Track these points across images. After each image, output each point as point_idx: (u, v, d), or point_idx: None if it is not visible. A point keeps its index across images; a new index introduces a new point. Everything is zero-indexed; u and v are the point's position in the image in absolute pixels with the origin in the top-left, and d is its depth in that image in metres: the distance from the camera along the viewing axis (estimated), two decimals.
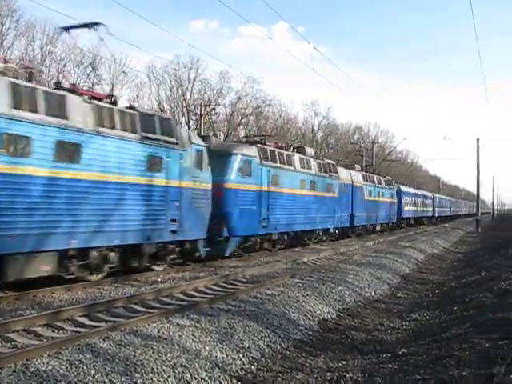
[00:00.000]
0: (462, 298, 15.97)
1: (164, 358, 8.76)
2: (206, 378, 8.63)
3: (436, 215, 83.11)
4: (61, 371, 7.68)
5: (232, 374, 9.17)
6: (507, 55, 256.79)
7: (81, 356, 8.36)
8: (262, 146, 24.99)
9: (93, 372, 7.77)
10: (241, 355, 9.97)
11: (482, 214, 75.72)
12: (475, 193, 66.31)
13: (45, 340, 9.53)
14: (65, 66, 58.38)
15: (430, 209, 77.27)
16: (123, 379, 7.73)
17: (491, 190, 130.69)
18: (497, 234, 49.43)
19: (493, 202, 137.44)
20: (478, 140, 58.65)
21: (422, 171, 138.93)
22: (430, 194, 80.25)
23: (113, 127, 15.54)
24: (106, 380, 7.62)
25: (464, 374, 7.61)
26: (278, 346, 11.00)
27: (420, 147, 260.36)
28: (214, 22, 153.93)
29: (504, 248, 28.42)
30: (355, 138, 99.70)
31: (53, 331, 10.35)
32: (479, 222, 60.78)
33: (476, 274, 20.92)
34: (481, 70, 74.24)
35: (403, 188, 60.62)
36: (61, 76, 57.22)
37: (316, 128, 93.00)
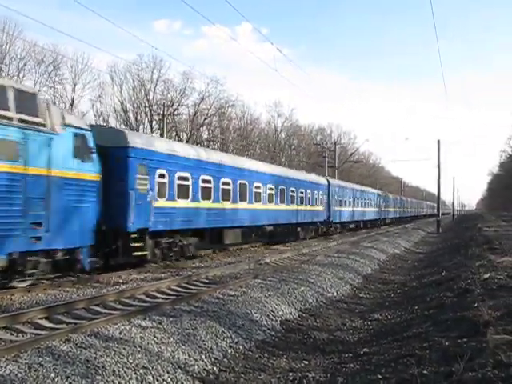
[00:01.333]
0: (423, 297, 16.15)
1: (126, 360, 8.67)
2: (169, 379, 8.57)
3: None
4: (19, 375, 7.54)
5: (194, 375, 9.12)
6: (466, 54, 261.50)
7: (40, 359, 8.22)
8: None
9: (52, 375, 7.65)
10: (203, 356, 9.93)
11: (442, 214, 76.42)
12: (436, 194, 67.22)
13: (3, 343, 9.34)
14: (25, 64, 57.45)
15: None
16: (84, 382, 7.62)
17: (451, 190, 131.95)
18: (457, 234, 50.25)
19: (453, 203, 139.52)
20: (438, 141, 59.64)
21: (385, 172, 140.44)
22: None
23: None
24: (66, 383, 7.50)
25: (424, 372, 7.69)
26: (241, 347, 10.98)
27: (382, 149, 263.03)
28: (178, 22, 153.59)
29: (464, 248, 28.90)
30: (318, 139, 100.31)
31: (11, 334, 10.17)
32: (440, 222, 61.64)
33: (437, 273, 21.20)
34: (440, 68, 75.08)
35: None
36: (21, 75, 56.47)
37: (279, 129, 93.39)
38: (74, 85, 63.87)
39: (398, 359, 9.31)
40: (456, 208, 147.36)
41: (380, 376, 8.45)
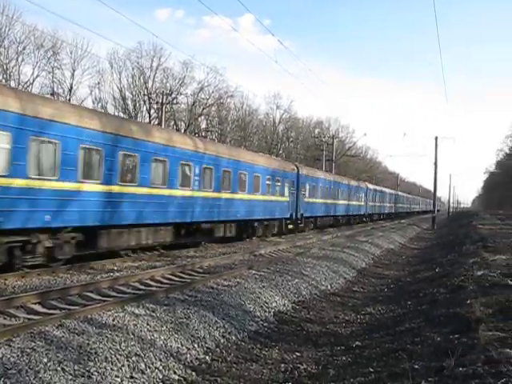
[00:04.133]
0: (417, 293, 16.20)
1: (118, 347, 8.69)
2: (161, 367, 8.58)
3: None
4: (11, 359, 7.55)
5: (186, 363, 9.14)
6: (467, 58, 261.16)
7: (33, 344, 8.23)
8: None
9: (45, 360, 7.66)
10: (196, 345, 9.96)
11: (437, 211, 76.16)
12: (432, 190, 67.29)
13: None
14: (24, 48, 57.20)
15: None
16: (76, 367, 7.63)
17: (448, 187, 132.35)
18: (452, 231, 50.34)
19: (449, 200, 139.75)
20: (436, 138, 59.62)
21: (381, 167, 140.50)
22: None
23: None
24: (59, 368, 7.51)
25: (416, 366, 7.73)
26: (234, 337, 11.01)
27: (380, 143, 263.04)
28: (180, 11, 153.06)
29: (458, 245, 28.97)
30: (316, 132, 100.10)
31: (4, 318, 10.17)
32: (435, 219, 61.75)
33: (431, 269, 21.27)
34: (441, 70, 74.83)
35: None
36: (20, 59, 56.21)
37: (277, 121, 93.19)
38: (73, 71, 63.68)
39: (389, 353, 9.35)
40: (452, 205, 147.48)
41: (371, 369, 8.49)
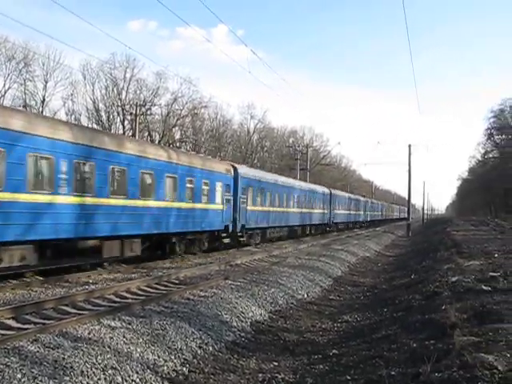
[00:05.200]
0: (392, 300, 16.31)
1: (94, 361, 8.60)
2: (138, 380, 8.52)
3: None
4: None
5: (164, 375, 9.09)
6: (439, 66, 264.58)
7: (7, 360, 8.11)
8: None
9: (19, 376, 7.55)
10: (173, 357, 9.90)
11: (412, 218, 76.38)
12: (406, 197, 67.83)
13: None
14: None
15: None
16: (51, 382, 7.54)
17: (422, 194, 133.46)
18: (426, 237, 50.77)
19: (423, 207, 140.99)
20: (409, 146, 60.29)
21: (356, 175, 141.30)
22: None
23: None
24: None
25: (392, 373, 7.79)
26: (211, 348, 10.97)
27: (354, 152, 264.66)
28: (153, 22, 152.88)
29: (433, 251, 29.22)
30: (290, 141, 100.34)
31: None
32: (410, 226, 62.22)
33: (406, 276, 21.43)
34: (413, 79, 75.79)
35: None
36: None
37: (252, 131, 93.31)
38: (46, 82, 63.34)
39: (366, 360, 9.40)
40: (426, 212, 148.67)
41: (349, 377, 8.54)
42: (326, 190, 55.28)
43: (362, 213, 76.12)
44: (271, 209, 36.46)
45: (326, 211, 53.13)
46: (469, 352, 7.45)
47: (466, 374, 6.63)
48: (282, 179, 42.14)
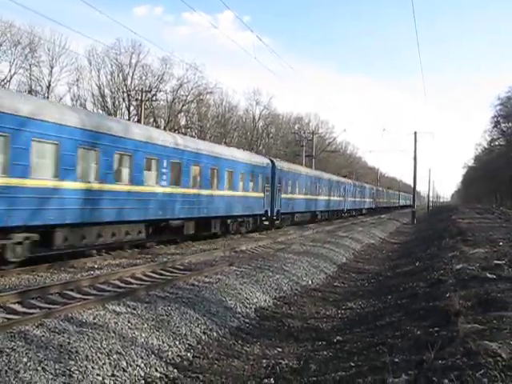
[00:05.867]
0: (397, 287, 16.31)
1: (99, 345, 8.65)
2: (142, 364, 8.57)
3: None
4: None
5: (168, 361, 9.14)
6: (446, 55, 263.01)
7: (12, 344, 8.16)
8: None
9: (25, 360, 7.60)
10: (177, 342, 9.94)
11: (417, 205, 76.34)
12: (412, 185, 67.69)
13: None
14: (1, 45, 56.57)
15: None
16: (57, 367, 7.59)
17: (427, 182, 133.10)
18: (431, 225, 50.71)
19: (428, 195, 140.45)
20: (415, 133, 60.09)
21: (361, 162, 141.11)
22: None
23: None
24: (39, 368, 7.46)
25: (396, 360, 7.79)
26: (215, 334, 11.01)
27: (359, 139, 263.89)
28: (159, 8, 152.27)
29: (438, 239, 29.19)
30: (296, 127, 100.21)
31: None
32: (415, 213, 62.13)
33: (410, 264, 21.43)
34: (420, 67, 75.32)
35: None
36: None
37: (257, 117, 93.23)
38: (51, 68, 63.26)
39: (370, 347, 9.41)
40: (431, 199, 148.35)
41: (352, 363, 8.53)
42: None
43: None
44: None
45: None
46: (473, 339, 7.44)
47: (469, 362, 6.63)
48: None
